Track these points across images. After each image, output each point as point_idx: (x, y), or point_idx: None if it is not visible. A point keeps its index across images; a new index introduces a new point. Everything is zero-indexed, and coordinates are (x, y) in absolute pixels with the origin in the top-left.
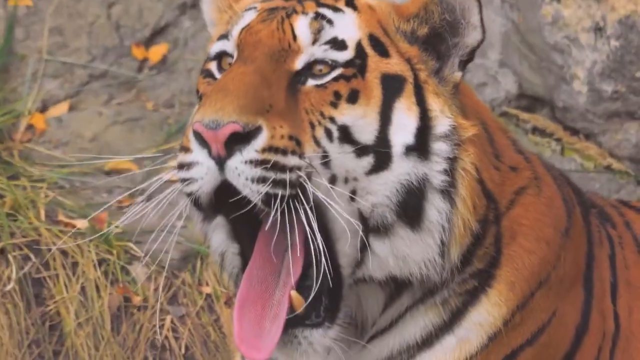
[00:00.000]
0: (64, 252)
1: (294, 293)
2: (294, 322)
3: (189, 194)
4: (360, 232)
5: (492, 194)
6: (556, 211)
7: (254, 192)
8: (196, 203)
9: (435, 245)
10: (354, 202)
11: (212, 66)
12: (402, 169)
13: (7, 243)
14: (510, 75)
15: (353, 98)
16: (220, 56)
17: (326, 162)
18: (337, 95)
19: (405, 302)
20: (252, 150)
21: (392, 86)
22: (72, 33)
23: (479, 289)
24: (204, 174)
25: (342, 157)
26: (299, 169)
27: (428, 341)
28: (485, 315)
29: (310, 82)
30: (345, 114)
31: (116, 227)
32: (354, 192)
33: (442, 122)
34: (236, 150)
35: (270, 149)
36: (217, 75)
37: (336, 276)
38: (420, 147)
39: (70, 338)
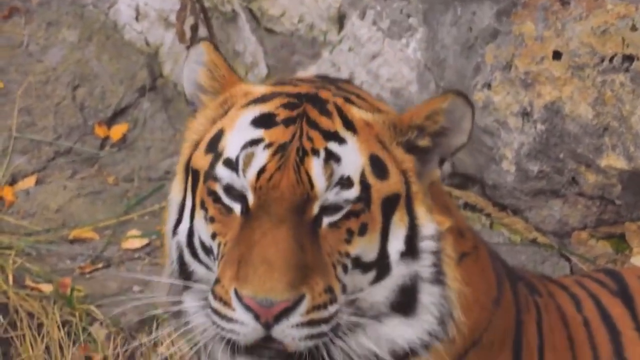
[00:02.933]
0: (30, 314)
1: None
2: None
3: (227, 340)
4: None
5: None
6: (488, 280)
7: (300, 346)
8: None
9: (433, 319)
10: (355, 303)
11: (220, 191)
12: (399, 272)
13: None
14: None
15: (362, 231)
16: (229, 188)
17: (344, 290)
18: (349, 232)
19: None
20: (297, 315)
21: (390, 206)
22: (40, 113)
23: None
24: (247, 331)
25: (353, 279)
26: (336, 314)
27: None
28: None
29: (325, 221)
30: (357, 247)
31: (79, 290)
32: (355, 299)
33: (427, 226)
34: (283, 318)
35: (312, 308)
36: (227, 201)
37: None
38: (410, 250)
39: None
